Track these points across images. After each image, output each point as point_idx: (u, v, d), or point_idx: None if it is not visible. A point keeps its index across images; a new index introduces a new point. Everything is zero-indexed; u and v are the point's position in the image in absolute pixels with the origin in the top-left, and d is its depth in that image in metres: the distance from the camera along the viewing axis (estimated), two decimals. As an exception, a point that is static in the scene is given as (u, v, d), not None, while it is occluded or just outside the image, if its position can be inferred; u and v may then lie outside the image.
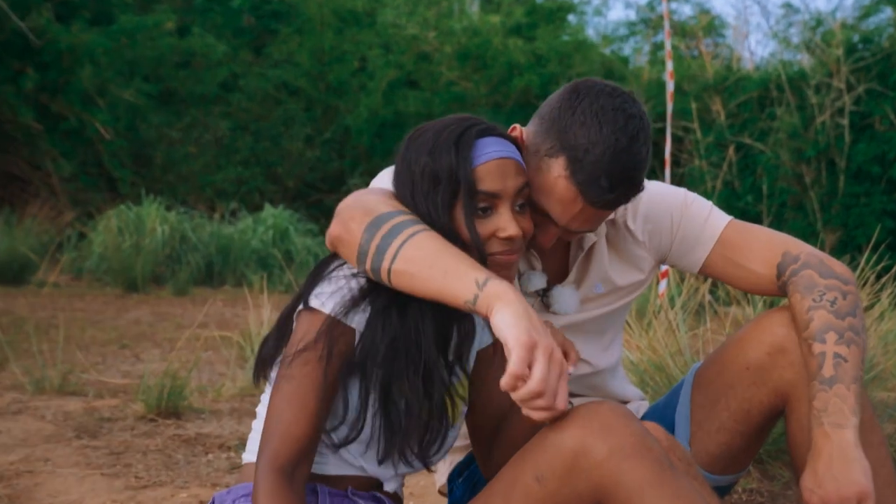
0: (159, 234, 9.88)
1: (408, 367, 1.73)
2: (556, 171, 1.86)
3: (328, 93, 15.17)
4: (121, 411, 4.01)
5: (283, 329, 1.79)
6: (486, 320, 1.63)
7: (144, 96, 14.05)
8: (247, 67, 15.22)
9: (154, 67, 14.57)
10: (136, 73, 14.29)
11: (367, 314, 1.72)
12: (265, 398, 1.84)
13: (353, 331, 1.70)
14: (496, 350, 1.90)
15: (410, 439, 1.75)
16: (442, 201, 1.73)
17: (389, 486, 1.82)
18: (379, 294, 1.73)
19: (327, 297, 1.71)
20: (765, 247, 2.07)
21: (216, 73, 14.88)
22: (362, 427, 1.74)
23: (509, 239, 1.77)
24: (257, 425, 1.84)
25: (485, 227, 1.76)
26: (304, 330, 1.70)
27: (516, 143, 1.87)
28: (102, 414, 3.95)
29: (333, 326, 1.69)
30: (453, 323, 1.78)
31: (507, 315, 1.58)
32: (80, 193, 13.23)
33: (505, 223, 1.77)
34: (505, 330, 1.57)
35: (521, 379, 1.55)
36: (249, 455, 1.83)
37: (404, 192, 1.78)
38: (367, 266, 1.73)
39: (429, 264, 1.68)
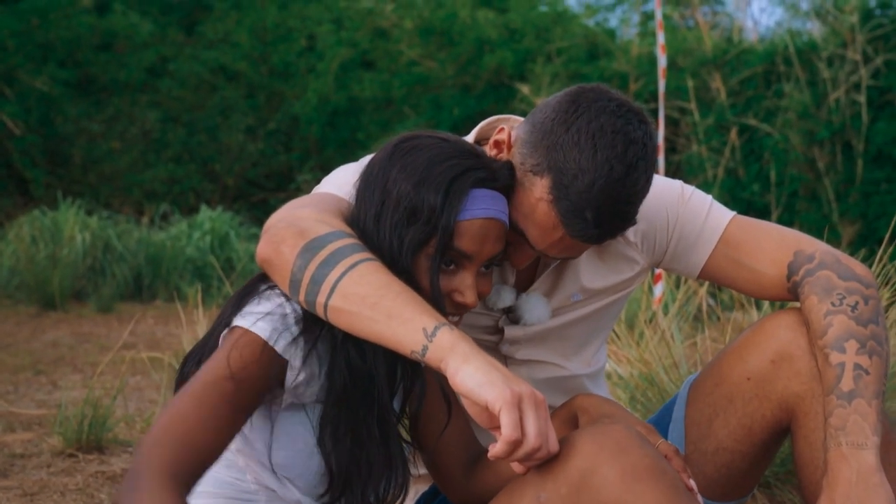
0: (79, 243, 9.82)
1: (362, 411, 1.76)
2: (539, 193, 1.86)
3: (272, 77, 15.15)
4: (35, 446, 3.98)
5: (206, 348, 1.80)
6: (440, 373, 1.64)
7: (59, 84, 13.97)
8: (177, 49, 15.18)
9: (70, 51, 14.50)
10: (49, 58, 14.21)
11: (301, 345, 1.72)
12: None
13: (285, 362, 1.71)
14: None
15: (368, 485, 1.79)
16: (411, 241, 1.74)
17: None
18: (322, 325, 1.74)
19: (259, 318, 1.71)
20: (774, 245, 2.08)
21: (142, 57, 14.82)
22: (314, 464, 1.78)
23: (462, 305, 1.81)
24: None
25: (443, 282, 1.79)
26: (226, 351, 1.70)
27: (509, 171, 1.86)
28: (14, 450, 3.93)
29: (263, 353, 1.69)
30: (399, 361, 1.81)
31: (472, 371, 1.59)
32: (-14, 198, 13.15)
33: (465, 289, 1.80)
34: (477, 389, 1.58)
35: (518, 443, 1.58)
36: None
37: (368, 210, 1.77)
38: (301, 298, 1.72)
39: (371, 304, 1.66)
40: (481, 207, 1.78)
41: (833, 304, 1.95)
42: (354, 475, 1.77)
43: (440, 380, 1.86)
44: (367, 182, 1.80)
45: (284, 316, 1.72)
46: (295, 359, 1.71)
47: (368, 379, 1.75)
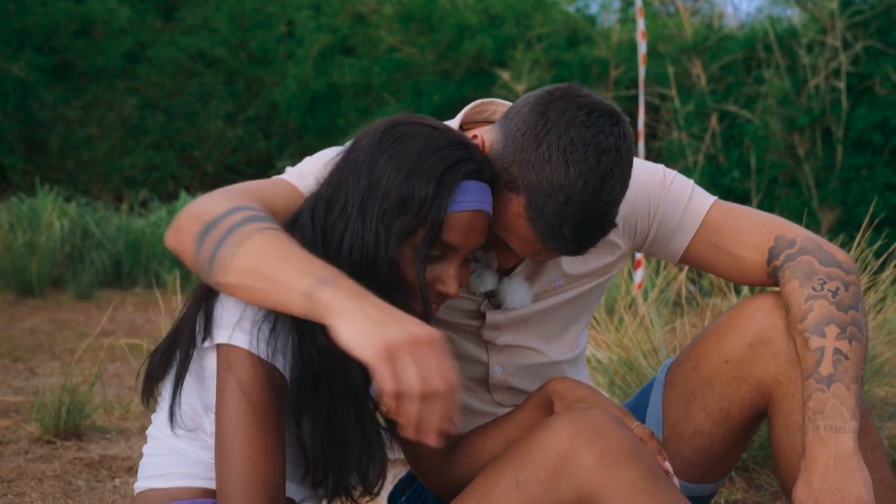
0: (57, 230, 9.78)
1: (336, 395, 1.77)
2: (515, 209, 1.85)
3: (251, 63, 15.11)
4: (13, 433, 3.97)
5: (175, 341, 1.81)
6: None
7: (37, 70, 13.90)
8: (155, 35, 15.12)
9: (47, 37, 14.42)
10: (26, 44, 14.13)
11: (279, 343, 1.72)
12: (157, 419, 1.86)
13: (272, 365, 1.72)
14: None
15: (347, 469, 1.80)
16: (398, 230, 1.73)
17: None
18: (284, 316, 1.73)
19: (233, 331, 1.71)
20: (755, 230, 2.09)
21: (120, 43, 14.76)
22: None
23: (444, 294, 1.81)
24: (150, 449, 1.87)
25: (427, 272, 1.79)
26: (225, 372, 1.71)
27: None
28: (-9, 437, 3.92)
29: (253, 362, 1.70)
30: None
31: (348, 327, 1.53)
32: (-37, 185, 13.09)
33: (448, 279, 1.81)
34: (355, 347, 1.52)
35: (400, 394, 1.51)
36: (142, 482, 1.85)
37: (352, 196, 1.76)
38: (209, 281, 1.70)
39: (260, 274, 1.62)
40: (470, 200, 1.78)
41: (814, 289, 1.96)
42: (331, 459, 1.77)
43: None
44: (351, 168, 1.79)
45: (253, 316, 1.72)
46: (278, 358, 1.72)
47: (340, 362, 1.74)
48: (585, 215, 1.82)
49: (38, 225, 9.84)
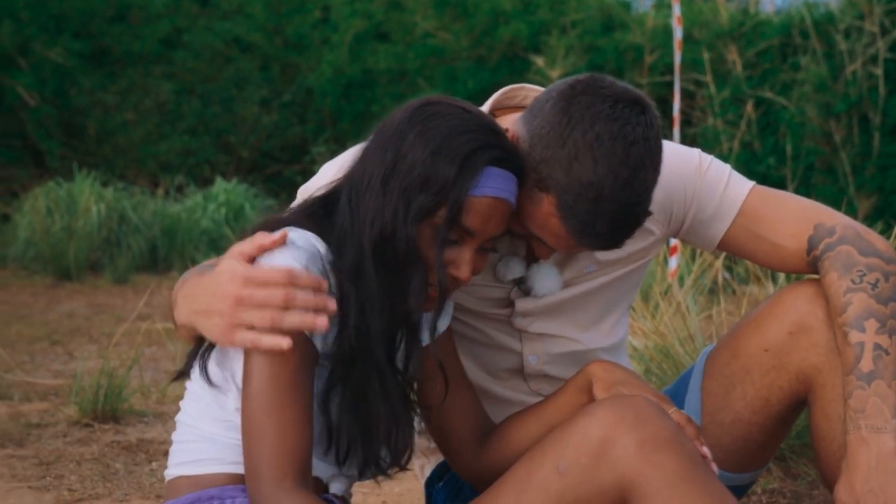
0: (94, 215, 9.83)
1: (363, 368, 1.76)
2: (547, 209, 1.83)
3: (286, 49, 15.12)
4: (51, 416, 4.00)
5: None
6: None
7: (74, 56, 13.96)
8: (191, 21, 15.14)
9: (84, 22, 14.47)
10: (63, 29, 14.19)
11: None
12: (186, 404, 1.86)
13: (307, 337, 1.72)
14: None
15: (373, 443, 1.79)
16: (418, 207, 1.72)
17: (336, 488, 1.84)
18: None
19: None
20: (794, 217, 2.06)
21: (156, 28, 14.79)
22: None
23: (455, 279, 1.80)
24: (179, 436, 1.86)
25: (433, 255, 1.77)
26: None
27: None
28: (30, 419, 3.95)
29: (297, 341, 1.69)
30: (398, 325, 1.81)
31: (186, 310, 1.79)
32: (1, 169, 13.16)
33: (461, 263, 1.79)
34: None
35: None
36: (173, 469, 1.85)
37: (376, 169, 1.76)
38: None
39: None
40: (492, 186, 1.76)
41: (853, 282, 1.94)
42: (358, 431, 1.77)
43: (435, 352, 1.86)
44: (379, 141, 1.78)
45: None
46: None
47: (366, 335, 1.75)
48: (618, 210, 1.80)
49: (75, 209, 9.89)
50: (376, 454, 1.81)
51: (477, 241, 1.79)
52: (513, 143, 1.85)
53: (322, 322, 1.63)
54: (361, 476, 1.86)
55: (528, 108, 1.89)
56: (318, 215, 1.82)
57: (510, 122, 1.91)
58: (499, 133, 1.80)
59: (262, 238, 1.70)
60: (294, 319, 1.63)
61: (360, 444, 1.78)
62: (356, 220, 1.76)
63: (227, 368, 1.76)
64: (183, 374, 1.87)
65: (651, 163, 1.82)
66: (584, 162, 1.77)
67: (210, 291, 1.70)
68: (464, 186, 1.72)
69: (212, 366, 1.78)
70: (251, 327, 1.64)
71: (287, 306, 1.62)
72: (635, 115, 1.80)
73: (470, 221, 1.75)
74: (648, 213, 1.87)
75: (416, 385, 1.91)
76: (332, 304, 1.65)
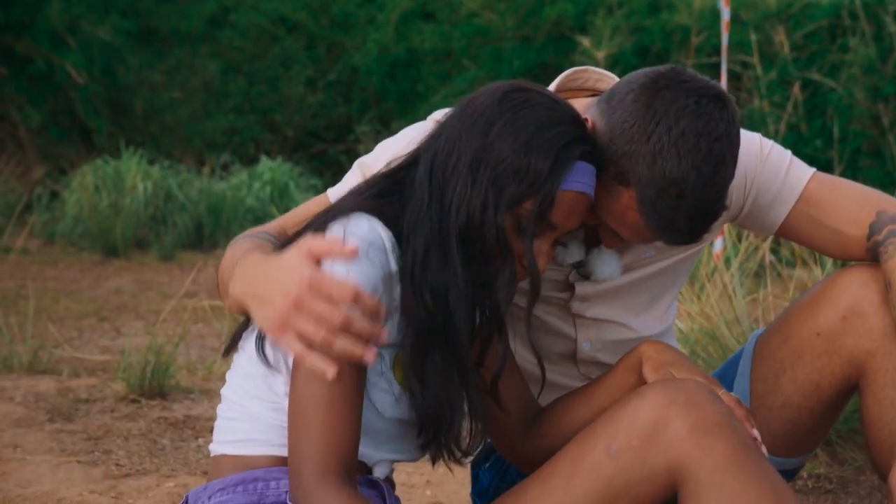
0: (141, 192, 9.88)
1: (443, 355, 1.75)
2: (626, 202, 1.82)
3: (332, 28, 15.12)
4: (99, 391, 4.03)
5: None
6: None
7: (122, 35, 14.02)
8: (238, 0, 15.18)
9: (132, 1, 14.53)
10: (111, 9, 14.26)
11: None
12: (232, 379, 1.85)
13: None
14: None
15: (451, 430, 1.79)
16: (508, 197, 1.70)
17: (379, 472, 1.83)
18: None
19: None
20: (856, 204, 2.03)
21: (203, 8, 14.84)
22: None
23: (531, 269, 1.77)
24: (225, 412, 1.85)
25: (518, 244, 1.76)
26: None
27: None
28: (78, 395, 3.97)
29: None
30: (478, 308, 1.80)
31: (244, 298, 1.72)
32: (50, 147, 13.26)
33: (539, 255, 1.77)
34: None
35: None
36: (218, 447, 1.84)
37: (462, 153, 1.73)
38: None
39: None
40: (580, 181, 1.75)
41: None
42: (437, 421, 1.76)
43: None
44: (465, 124, 1.75)
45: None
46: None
47: (448, 321, 1.73)
48: (699, 206, 1.78)
49: (122, 187, 9.95)
50: (449, 444, 1.81)
51: (557, 233, 1.78)
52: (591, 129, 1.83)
53: (370, 356, 1.58)
54: (434, 462, 1.86)
55: (605, 99, 1.87)
56: (386, 193, 1.80)
57: (582, 108, 1.89)
58: (585, 126, 1.79)
59: (336, 245, 1.64)
60: (345, 347, 1.57)
61: (441, 433, 1.77)
62: (435, 202, 1.73)
63: (281, 350, 1.75)
64: (231, 349, 1.86)
65: (732, 159, 1.81)
66: (668, 158, 1.75)
67: (272, 280, 1.64)
68: (556, 180, 1.71)
69: (266, 345, 1.78)
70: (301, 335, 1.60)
71: (343, 328, 1.57)
72: (718, 110, 1.79)
73: (555, 214, 1.74)
74: (725, 208, 1.85)
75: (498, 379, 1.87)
76: (385, 335, 1.62)
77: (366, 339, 1.58)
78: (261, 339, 1.77)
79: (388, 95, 14.03)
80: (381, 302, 1.65)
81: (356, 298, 1.58)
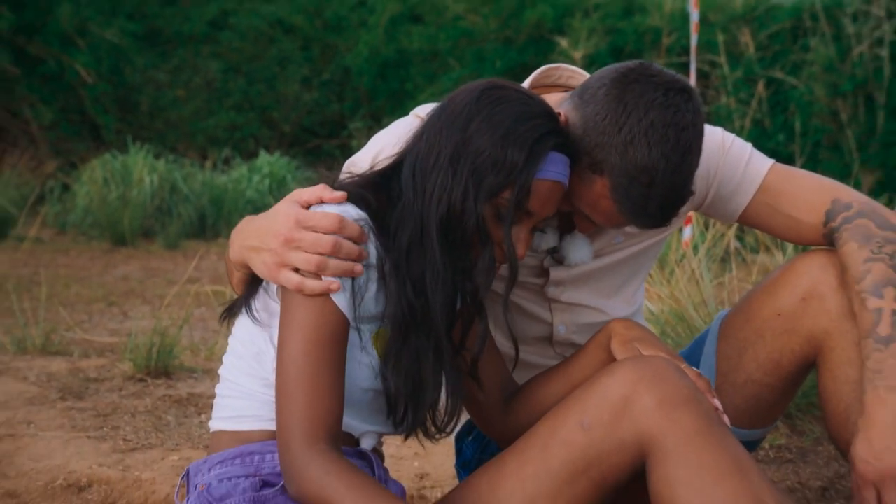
0: (147, 185, 9.86)
1: (419, 337, 1.74)
2: (599, 190, 1.82)
3: (326, 30, 15.08)
4: (108, 371, 4.02)
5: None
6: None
7: (128, 36, 13.97)
8: (238, 4, 15.12)
9: (138, 4, 14.48)
10: (118, 11, 14.20)
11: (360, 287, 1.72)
12: (228, 359, 1.85)
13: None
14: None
15: (420, 409, 1.78)
16: (487, 188, 1.71)
17: (366, 443, 1.83)
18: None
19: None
20: (812, 193, 2.04)
21: (205, 11, 14.79)
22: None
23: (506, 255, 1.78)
24: (222, 390, 1.85)
25: (498, 232, 1.76)
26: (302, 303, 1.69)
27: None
28: (88, 374, 3.97)
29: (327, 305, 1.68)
30: (458, 294, 1.80)
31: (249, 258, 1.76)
32: (61, 142, 13.21)
33: (517, 242, 1.78)
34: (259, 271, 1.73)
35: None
36: (216, 423, 1.84)
37: (443, 147, 1.73)
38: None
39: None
40: (554, 170, 1.75)
41: (872, 252, 1.92)
42: (410, 397, 1.76)
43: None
44: (445, 120, 1.76)
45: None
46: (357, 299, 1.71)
47: (427, 309, 1.73)
48: (669, 192, 1.79)
49: (130, 180, 9.93)
50: (423, 420, 1.81)
51: (534, 220, 1.78)
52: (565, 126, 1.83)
53: (359, 269, 1.67)
54: (407, 437, 1.86)
55: (577, 93, 1.87)
56: (373, 186, 1.80)
57: (555, 103, 1.89)
58: (558, 119, 1.79)
59: (323, 190, 1.71)
60: (337, 266, 1.64)
61: (412, 410, 1.77)
62: (418, 195, 1.74)
63: (268, 309, 1.78)
64: (231, 312, 1.87)
65: (697, 147, 1.82)
66: (639, 147, 1.76)
67: (263, 229, 1.72)
68: (532, 170, 1.71)
69: (256, 304, 1.79)
70: (296, 269, 1.66)
71: (333, 253, 1.64)
72: (684, 101, 1.80)
73: (532, 203, 1.74)
74: (692, 193, 1.86)
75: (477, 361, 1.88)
76: (366, 254, 1.69)
77: (354, 259, 1.67)
78: (248, 303, 1.80)
79: (379, 94, 14.00)
80: (362, 228, 1.70)
81: (341, 226, 1.65)
